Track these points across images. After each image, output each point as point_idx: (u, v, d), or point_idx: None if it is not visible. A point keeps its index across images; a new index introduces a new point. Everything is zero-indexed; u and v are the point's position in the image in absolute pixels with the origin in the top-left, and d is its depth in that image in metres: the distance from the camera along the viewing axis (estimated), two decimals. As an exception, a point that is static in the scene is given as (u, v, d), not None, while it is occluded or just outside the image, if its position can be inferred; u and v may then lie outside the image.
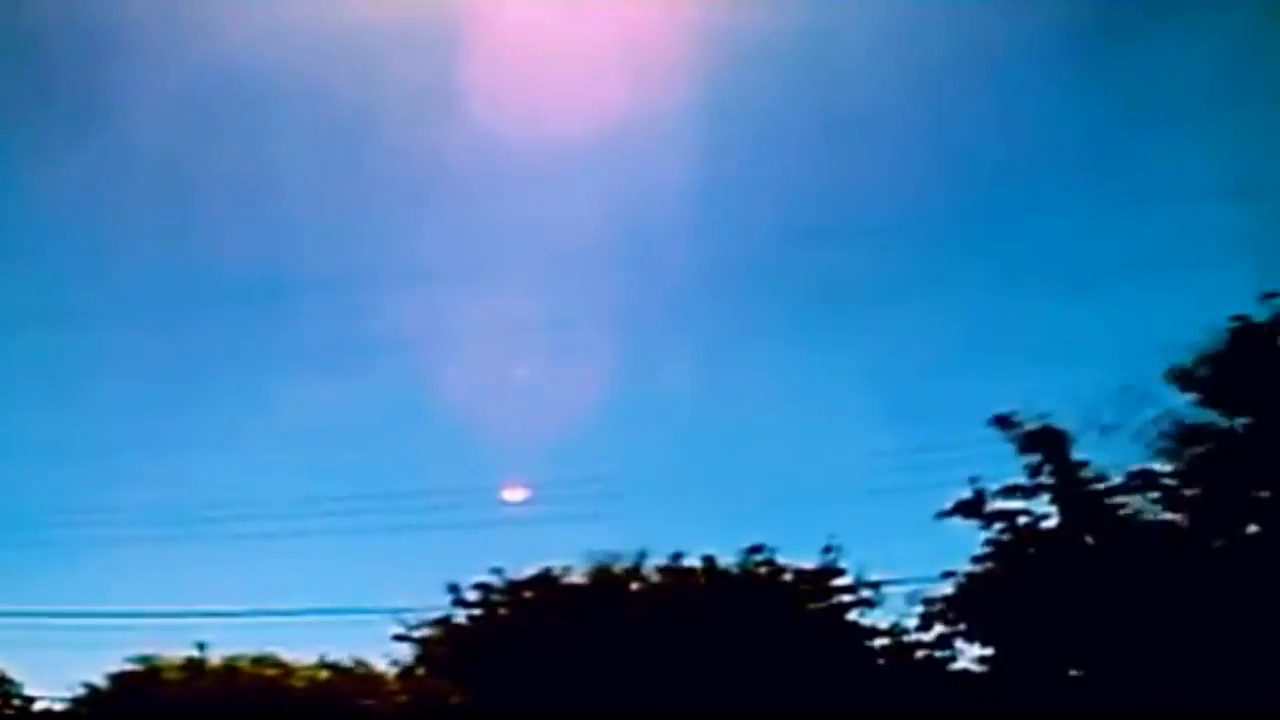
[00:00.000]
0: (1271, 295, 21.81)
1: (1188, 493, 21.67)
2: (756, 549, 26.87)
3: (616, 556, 27.60)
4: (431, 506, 34.87)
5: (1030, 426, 22.67)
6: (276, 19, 30.20)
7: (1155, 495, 22.01)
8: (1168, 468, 21.92)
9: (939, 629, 23.68)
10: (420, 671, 28.95)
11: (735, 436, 36.24)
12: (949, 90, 31.24)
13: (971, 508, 22.89)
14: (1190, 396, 22.02)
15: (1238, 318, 21.96)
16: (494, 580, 28.13)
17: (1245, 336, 21.92)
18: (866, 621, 26.17)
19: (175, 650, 32.78)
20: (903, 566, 25.19)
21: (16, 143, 34.63)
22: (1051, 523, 22.69)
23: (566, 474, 34.60)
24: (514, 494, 33.22)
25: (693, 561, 27.23)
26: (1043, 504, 22.76)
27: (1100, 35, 28.44)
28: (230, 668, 32.68)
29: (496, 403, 37.28)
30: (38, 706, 34.47)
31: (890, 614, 25.67)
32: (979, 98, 30.90)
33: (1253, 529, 21.41)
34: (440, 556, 32.81)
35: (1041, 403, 22.75)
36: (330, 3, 30.96)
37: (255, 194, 37.56)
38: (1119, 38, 28.52)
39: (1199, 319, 22.23)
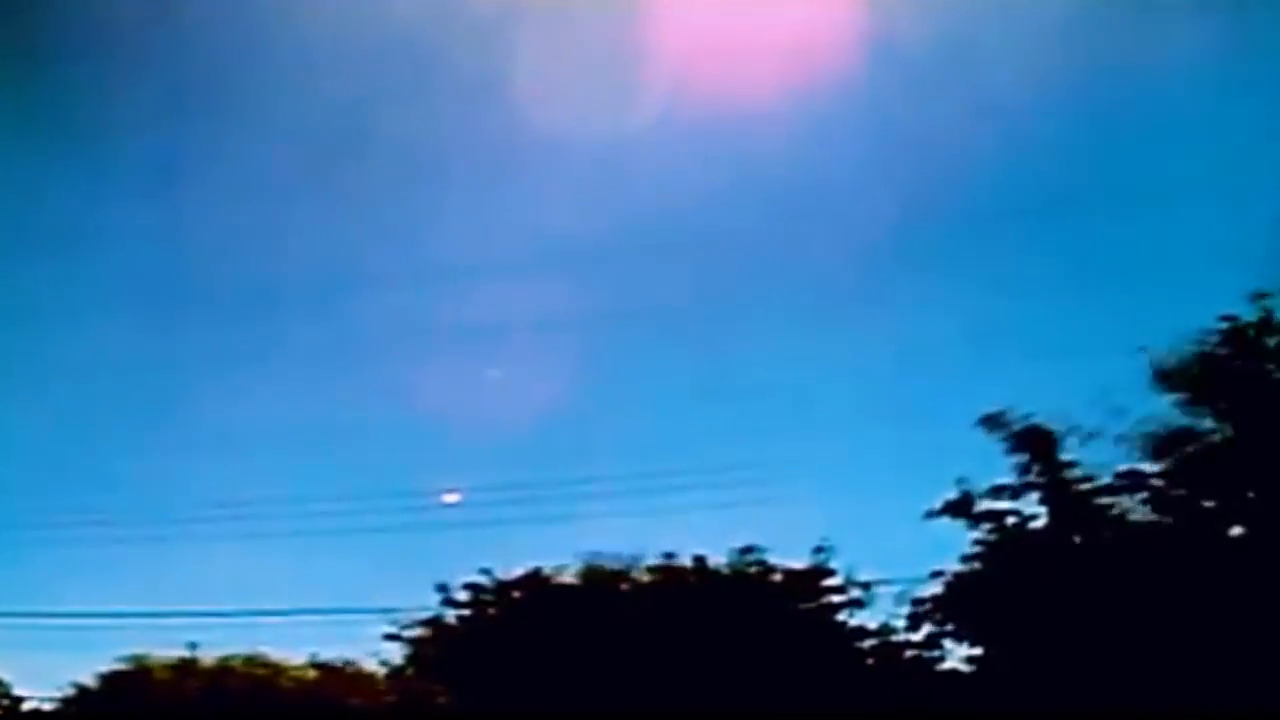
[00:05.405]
0: (1261, 296, 21.77)
1: (1175, 494, 21.65)
2: (747, 549, 26.91)
3: (607, 556, 27.62)
4: (422, 506, 34.90)
5: (1018, 426, 22.66)
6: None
7: (1143, 496, 21.99)
8: (1155, 468, 21.88)
9: (927, 629, 23.67)
10: (410, 672, 28.95)
11: (730, 435, 36.21)
12: (944, 91, 31.24)
13: (960, 508, 22.87)
14: (1178, 397, 21.98)
15: (1227, 318, 21.89)
16: (484, 580, 28.15)
17: (1234, 337, 21.89)
18: (856, 622, 26.25)
19: (165, 650, 32.78)
20: (892, 566, 25.26)
21: (16, 141, 34.56)
22: (1040, 523, 22.69)
23: (563, 473, 34.78)
24: (450, 498, 33.47)
25: (683, 561, 27.25)
26: (1031, 504, 22.77)
27: (1093, 33, 28.43)
28: (220, 668, 32.67)
29: (491, 402, 37.37)
30: (27, 706, 34.44)
31: (880, 614, 25.79)
32: (974, 98, 30.89)
33: (1239, 531, 21.41)
34: (431, 556, 32.78)
35: (1030, 403, 22.78)
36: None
37: (255, 194, 37.50)
38: (1115, 36, 28.50)
39: (1188, 319, 22.25)
